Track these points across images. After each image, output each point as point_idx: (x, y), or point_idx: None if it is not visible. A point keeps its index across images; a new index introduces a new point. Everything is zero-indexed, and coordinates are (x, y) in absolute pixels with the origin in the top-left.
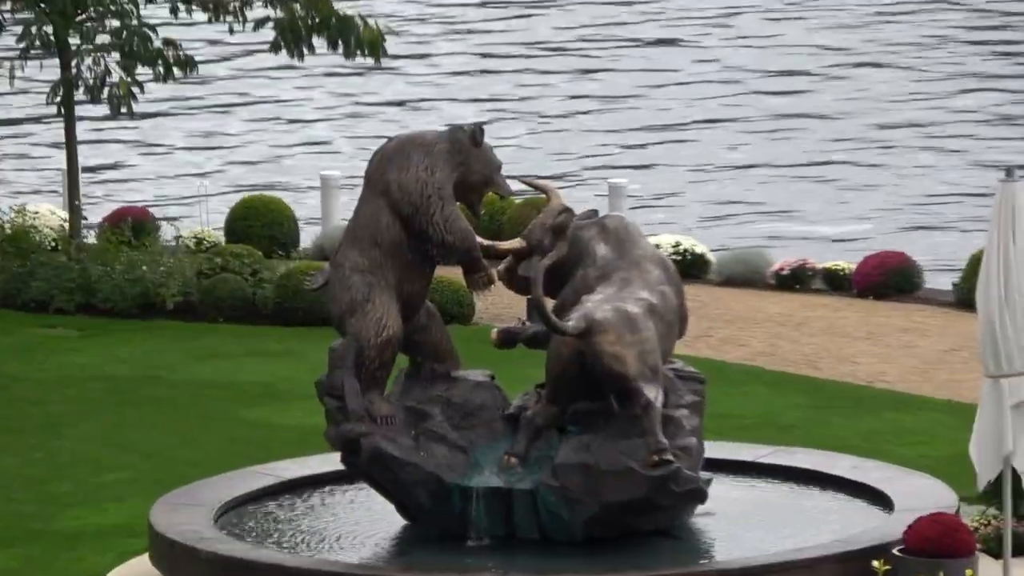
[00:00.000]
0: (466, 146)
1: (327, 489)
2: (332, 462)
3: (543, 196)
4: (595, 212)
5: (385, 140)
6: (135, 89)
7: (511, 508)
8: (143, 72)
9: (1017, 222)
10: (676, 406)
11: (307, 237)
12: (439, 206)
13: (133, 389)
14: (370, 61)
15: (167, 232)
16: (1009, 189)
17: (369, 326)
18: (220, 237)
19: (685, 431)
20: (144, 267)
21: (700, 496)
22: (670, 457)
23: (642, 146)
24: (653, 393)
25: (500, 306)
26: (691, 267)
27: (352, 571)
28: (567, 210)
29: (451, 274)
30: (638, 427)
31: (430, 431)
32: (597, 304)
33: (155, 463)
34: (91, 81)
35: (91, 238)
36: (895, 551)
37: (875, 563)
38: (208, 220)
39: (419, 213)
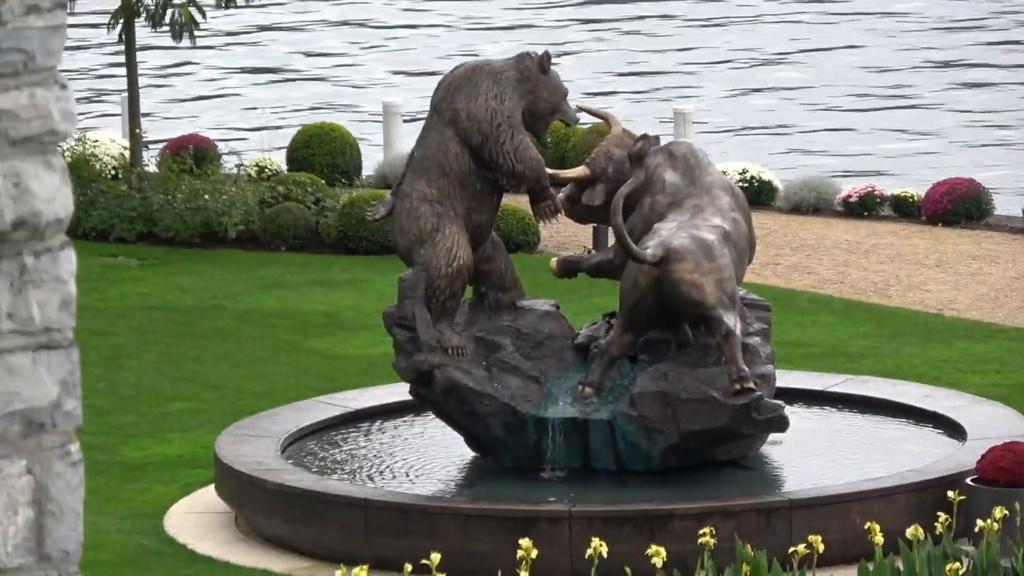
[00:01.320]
0: (534, 73)
1: (394, 420)
2: (399, 392)
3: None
4: (657, 139)
5: (452, 68)
6: (197, 16)
7: (587, 438)
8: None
9: None
10: (748, 334)
11: (370, 165)
12: (509, 135)
13: (195, 319)
14: None
15: (228, 160)
16: None
17: (439, 256)
18: (282, 165)
19: (761, 358)
20: (206, 196)
21: (782, 424)
22: (752, 385)
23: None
24: (732, 321)
25: (565, 234)
26: (758, 194)
27: (420, 502)
28: (645, 137)
29: (515, 202)
30: (713, 355)
31: (503, 362)
32: (673, 232)
33: (219, 394)
34: (152, 7)
35: (152, 166)
36: (968, 481)
37: (950, 494)
38: (270, 148)
39: (489, 142)
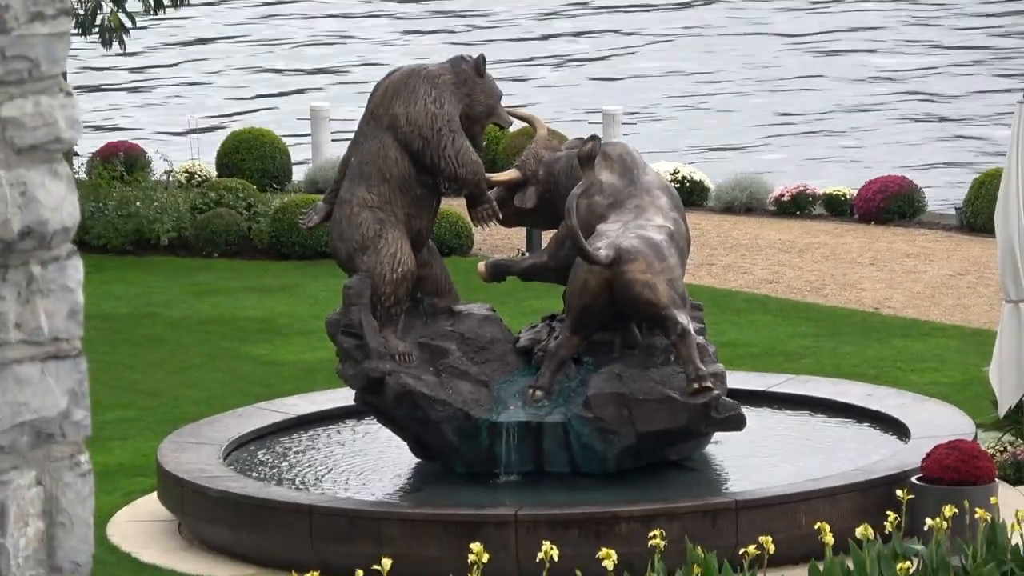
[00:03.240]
0: (470, 76)
1: (336, 425)
2: (339, 398)
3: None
4: (597, 138)
5: (386, 73)
6: (127, 21)
7: (540, 442)
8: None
9: None
10: (697, 332)
11: (299, 170)
12: (450, 139)
13: (130, 327)
14: None
15: (158, 167)
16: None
17: (384, 262)
18: (212, 171)
19: (711, 357)
20: (137, 203)
21: (740, 422)
22: (710, 384)
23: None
24: (685, 320)
25: (498, 237)
26: (690, 194)
27: (366, 508)
28: (594, 137)
29: (449, 206)
30: (661, 355)
31: (452, 367)
32: (620, 232)
33: (157, 402)
34: (82, 15)
35: (82, 174)
36: (914, 479)
37: (899, 493)
38: (199, 154)
39: (430, 147)
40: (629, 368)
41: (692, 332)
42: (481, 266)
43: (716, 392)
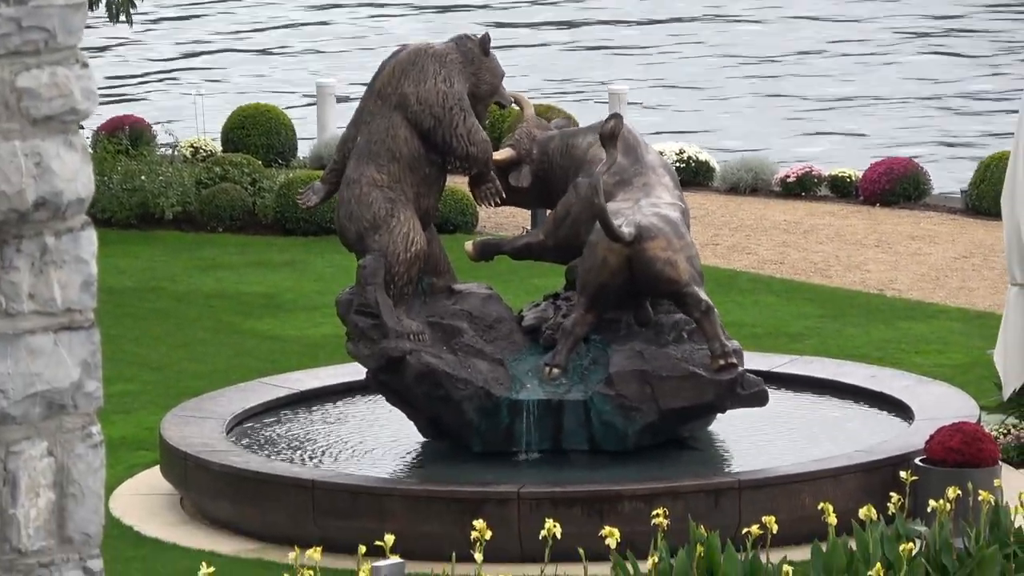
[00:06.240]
0: (477, 55)
1: (340, 401)
2: (343, 373)
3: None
4: (619, 116)
5: (392, 51)
6: None
7: (560, 420)
8: None
9: None
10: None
11: (304, 145)
12: (462, 117)
13: (135, 301)
14: None
15: (163, 140)
16: None
17: (397, 241)
18: (216, 146)
19: (726, 333)
20: (143, 177)
21: (763, 398)
22: (735, 360)
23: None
24: (706, 296)
25: (503, 215)
26: (695, 175)
27: (368, 483)
28: (616, 116)
29: (453, 184)
30: (673, 332)
31: (468, 345)
32: (635, 210)
33: (161, 375)
34: None
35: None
36: (917, 461)
37: (903, 474)
38: (204, 128)
39: (442, 125)
40: (648, 345)
41: (715, 308)
42: (468, 245)
43: (741, 368)
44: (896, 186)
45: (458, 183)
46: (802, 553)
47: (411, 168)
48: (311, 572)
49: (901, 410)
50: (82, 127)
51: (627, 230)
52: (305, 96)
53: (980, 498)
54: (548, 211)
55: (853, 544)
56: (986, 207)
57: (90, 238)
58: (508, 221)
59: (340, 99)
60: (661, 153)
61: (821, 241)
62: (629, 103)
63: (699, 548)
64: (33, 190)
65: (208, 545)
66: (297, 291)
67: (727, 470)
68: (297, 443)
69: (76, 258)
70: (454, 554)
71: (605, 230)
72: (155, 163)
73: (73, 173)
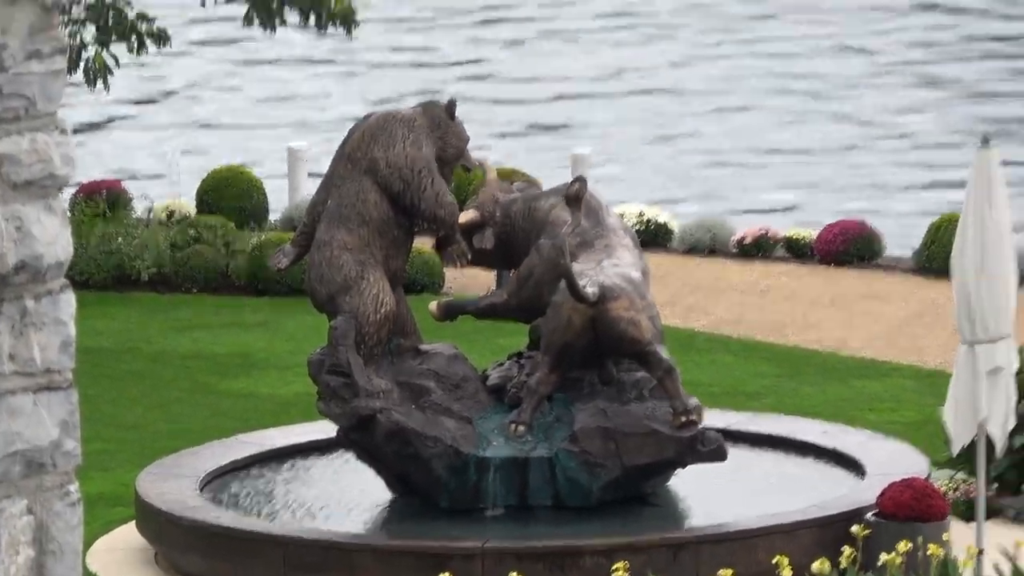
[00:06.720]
0: (443, 120)
1: (311, 458)
2: (315, 431)
3: (489, 170)
4: (583, 180)
5: (361, 117)
6: (111, 62)
7: (526, 476)
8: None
9: (992, 190)
10: None
11: (276, 207)
12: (430, 180)
13: (111, 362)
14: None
15: (139, 204)
16: (985, 157)
17: (367, 303)
18: (191, 209)
19: (685, 392)
20: (119, 239)
21: (722, 454)
22: (695, 418)
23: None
24: (668, 355)
25: (469, 275)
26: (655, 236)
27: (338, 539)
28: (580, 179)
29: (420, 246)
30: (634, 391)
31: (436, 404)
32: (599, 271)
33: (137, 434)
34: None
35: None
36: (869, 516)
37: (855, 528)
38: (179, 192)
39: (411, 189)
40: (610, 403)
41: (676, 367)
42: (433, 306)
43: (702, 425)
44: (850, 247)
45: (425, 245)
46: None
47: (380, 231)
48: None
49: (854, 466)
50: (61, 191)
51: (591, 290)
52: (278, 159)
53: (930, 552)
54: (512, 272)
55: None
56: (937, 267)
57: (69, 300)
58: (473, 282)
59: (312, 174)
60: (621, 215)
61: (777, 301)
62: (591, 167)
63: None
64: (14, 254)
65: None
66: (270, 351)
67: (686, 525)
68: (269, 499)
69: (55, 320)
70: None
71: (570, 290)
72: (131, 226)
73: (53, 237)
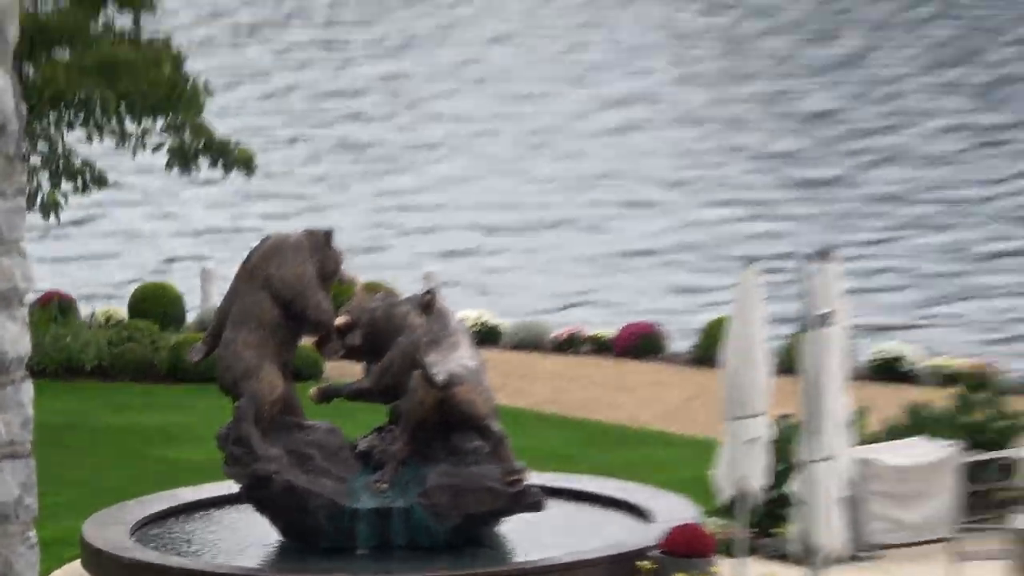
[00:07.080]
0: (323, 245)
1: (219, 510)
2: (225, 488)
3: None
4: (433, 292)
5: (258, 243)
6: (61, 200)
7: (388, 523)
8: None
9: (753, 301)
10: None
11: (191, 313)
12: (314, 293)
13: (62, 434)
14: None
15: (84, 310)
16: (746, 276)
17: (263, 388)
18: (124, 315)
19: (513, 456)
20: (68, 338)
21: (540, 505)
22: (521, 477)
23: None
24: (499, 428)
25: (343, 366)
26: (489, 335)
27: (242, 571)
28: (431, 291)
29: (305, 342)
30: (472, 456)
31: (318, 467)
32: (448, 362)
33: (83, 491)
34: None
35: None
36: (655, 552)
37: (639, 563)
38: (114, 301)
39: (299, 299)
40: (455, 466)
41: (506, 436)
42: (313, 391)
43: (526, 483)
44: (641, 343)
45: (308, 342)
46: None
47: (273, 332)
48: None
49: (643, 514)
50: (22, 302)
51: (441, 377)
52: (193, 276)
53: None
54: (376, 363)
55: None
56: (710, 358)
57: (28, 388)
58: (346, 372)
59: (221, 279)
60: (462, 320)
61: (585, 386)
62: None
63: None
64: None
65: None
66: (186, 426)
67: (512, 560)
68: (187, 541)
69: (17, 403)
70: None
71: (424, 377)
72: (78, 327)
73: (15, 338)
